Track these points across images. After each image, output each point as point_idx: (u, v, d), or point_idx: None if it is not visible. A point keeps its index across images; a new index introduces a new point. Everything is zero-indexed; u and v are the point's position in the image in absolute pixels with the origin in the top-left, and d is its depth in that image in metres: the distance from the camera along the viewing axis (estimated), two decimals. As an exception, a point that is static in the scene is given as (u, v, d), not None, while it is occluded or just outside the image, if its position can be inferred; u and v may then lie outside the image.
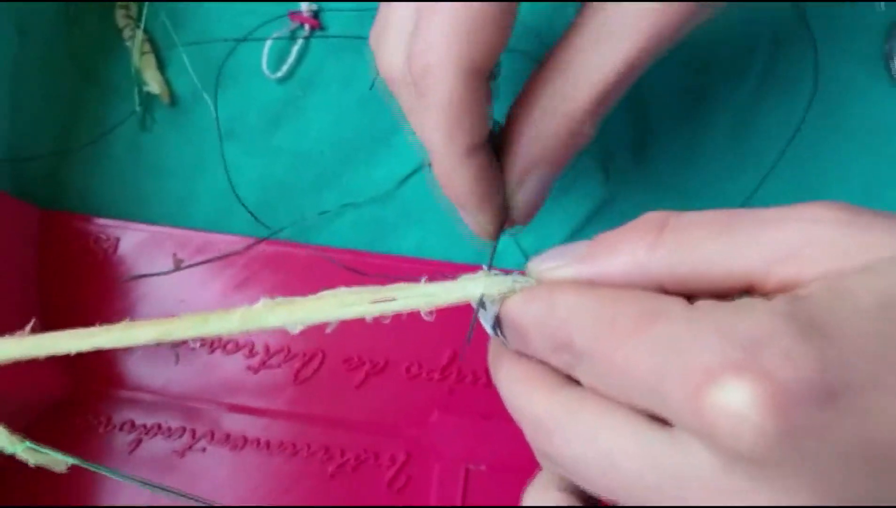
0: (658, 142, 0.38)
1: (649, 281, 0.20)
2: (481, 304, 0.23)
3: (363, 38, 0.38)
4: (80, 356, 0.36)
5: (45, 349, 0.24)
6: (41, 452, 0.25)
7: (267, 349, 0.36)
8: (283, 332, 0.36)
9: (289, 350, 0.36)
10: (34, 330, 0.25)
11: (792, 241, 0.19)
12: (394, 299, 0.23)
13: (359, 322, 0.36)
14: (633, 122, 0.38)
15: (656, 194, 0.38)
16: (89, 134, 0.38)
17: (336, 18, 0.39)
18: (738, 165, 0.38)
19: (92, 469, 0.26)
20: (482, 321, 0.25)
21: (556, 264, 0.22)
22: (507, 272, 0.24)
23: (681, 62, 0.38)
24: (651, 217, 0.21)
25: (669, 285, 0.20)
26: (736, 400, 0.16)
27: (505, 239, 0.37)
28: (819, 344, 0.17)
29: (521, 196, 0.27)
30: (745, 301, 0.19)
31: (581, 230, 0.37)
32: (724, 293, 0.20)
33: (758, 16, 0.39)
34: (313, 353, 0.36)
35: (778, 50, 0.38)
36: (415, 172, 0.38)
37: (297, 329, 0.24)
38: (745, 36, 0.38)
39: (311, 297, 0.23)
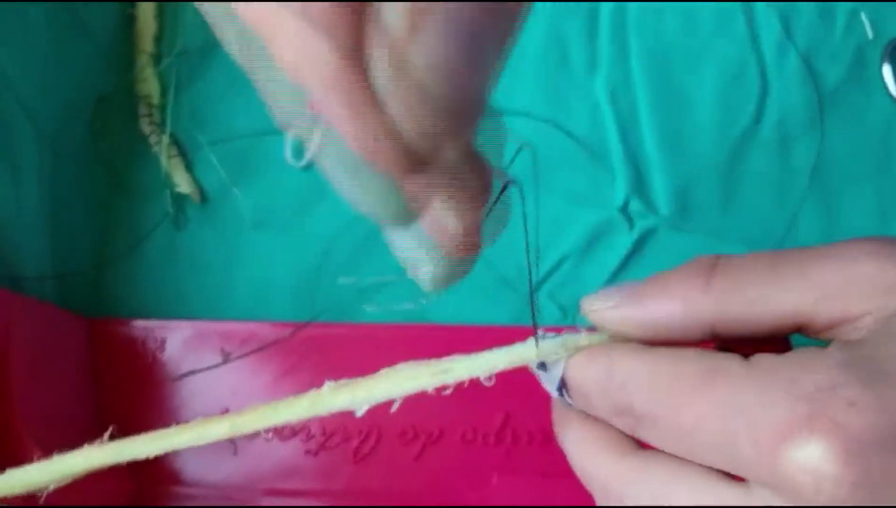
0: (684, 187, 0.39)
1: (701, 323, 0.21)
2: (542, 366, 0.24)
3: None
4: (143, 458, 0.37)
5: (126, 454, 0.25)
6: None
7: (324, 430, 0.36)
8: (338, 413, 0.37)
9: (345, 430, 0.36)
10: (112, 437, 0.26)
11: (837, 279, 0.19)
12: (452, 370, 0.23)
13: (411, 395, 0.37)
14: (650, 170, 0.39)
15: (682, 239, 0.39)
16: (126, 239, 0.39)
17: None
18: (766, 203, 0.39)
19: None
20: (545, 383, 0.25)
21: (607, 304, 0.22)
22: (557, 331, 0.24)
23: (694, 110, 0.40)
24: (700, 260, 0.21)
25: (720, 327, 0.21)
26: (811, 455, 0.17)
27: (543, 297, 0.38)
28: (880, 390, 0.17)
29: None
30: (801, 353, 0.19)
31: (613, 280, 0.38)
32: (776, 333, 0.21)
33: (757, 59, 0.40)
34: (369, 430, 0.36)
35: (784, 89, 0.40)
36: (445, 241, 0.39)
37: (362, 410, 0.25)
38: (747, 78, 0.40)
39: (372, 376, 0.24)
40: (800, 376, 0.18)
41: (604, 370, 0.22)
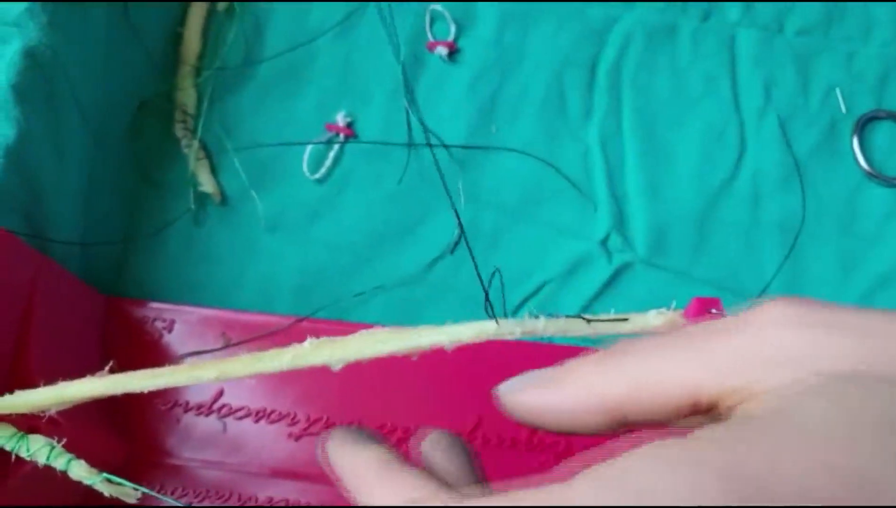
0: (661, 229, 0.42)
1: (601, 407, 0.20)
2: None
3: (392, 144, 0.44)
4: (137, 428, 0.40)
5: (122, 387, 0.27)
6: (115, 483, 0.28)
7: (308, 417, 0.39)
8: (322, 401, 0.40)
9: (327, 419, 0.39)
10: (112, 371, 0.28)
11: (741, 350, 0.18)
12: (419, 336, 0.25)
13: (391, 391, 0.39)
14: (631, 211, 0.43)
15: (655, 276, 0.42)
16: (149, 228, 0.43)
17: (367, 127, 0.44)
18: (735, 251, 0.42)
19: (161, 498, 0.29)
20: None
21: (520, 390, 0.22)
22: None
23: (687, 177, 0.44)
24: (608, 347, 0.21)
25: (622, 410, 0.20)
26: None
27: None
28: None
29: None
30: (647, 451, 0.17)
31: (588, 307, 0.41)
32: (677, 415, 0.19)
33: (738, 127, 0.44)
34: (350, 421, 0.39)
35: (760, 150, 0.44)
36: (439, 257, 0.42)
37: (337, 367, 0.27)
38: (728, 137, 0.44)
39: (349, 336, 0.26)
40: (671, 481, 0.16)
41: None
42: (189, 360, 0.41)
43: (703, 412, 0.19)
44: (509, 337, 0.26)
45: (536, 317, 0.27)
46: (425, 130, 0.44)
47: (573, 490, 0.17)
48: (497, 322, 0.26)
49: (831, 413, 0.16)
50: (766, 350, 0.18)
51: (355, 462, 0.23)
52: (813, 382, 0.17)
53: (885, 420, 0.16)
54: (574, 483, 0.17)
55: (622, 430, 0.20)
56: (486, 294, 0.29)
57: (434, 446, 0.25)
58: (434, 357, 0.41)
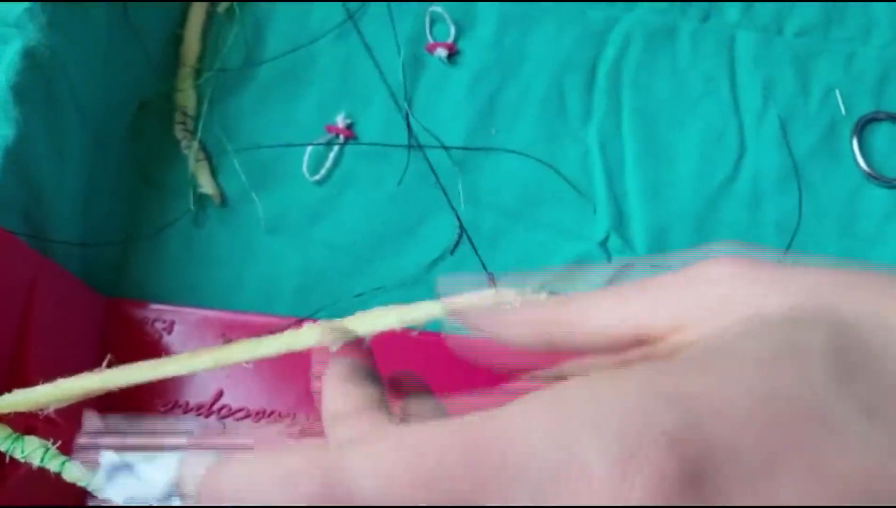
0: (661, 229, 0.43)
1: (538, 327, 0.22)
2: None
3: (391, 146, 0.44)
4: (137, 428, 0.39)
5: (120, 380, 0.27)
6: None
7: (307, 418, 0.39)
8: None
9: (327, 419, 0.39)
10: (110, 364, 0.28)
11: (685, 295, 0.19)
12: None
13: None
14: (631, 212, 0.43)
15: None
16: (149, 229, 0.43)
17: (367, 128, 0.45)
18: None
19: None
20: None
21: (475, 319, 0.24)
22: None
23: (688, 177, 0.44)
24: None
25: (556, 333, 0.21)
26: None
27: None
28: (683, 422, 0.16)
29: None
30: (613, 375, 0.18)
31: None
32: (616, 345, 0.20)
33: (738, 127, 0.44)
34: (349, 421, 0.39)
35: (760, 151, 0.44)
36: (439, 258, 0.42)
37: (336, 346, 0.27)
38: (728, 138, 0.44)
39: (347, 318, 0.27)
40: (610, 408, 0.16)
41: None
42: (189, 361, 0.41)
43: (643, 346, 0.20)
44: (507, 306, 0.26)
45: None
46: (410, 132, 0.44)
47: (512, 414, 0.17)
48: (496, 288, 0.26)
49: (758, 350, 0.17)
50: (708, 297, 0.19)
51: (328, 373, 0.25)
52: (746, 325, 0.18)
53: (804, 353, 0.17)
54: (512, 407, 0.17)
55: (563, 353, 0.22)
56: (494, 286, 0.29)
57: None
58: (431, 359, 0.41)
